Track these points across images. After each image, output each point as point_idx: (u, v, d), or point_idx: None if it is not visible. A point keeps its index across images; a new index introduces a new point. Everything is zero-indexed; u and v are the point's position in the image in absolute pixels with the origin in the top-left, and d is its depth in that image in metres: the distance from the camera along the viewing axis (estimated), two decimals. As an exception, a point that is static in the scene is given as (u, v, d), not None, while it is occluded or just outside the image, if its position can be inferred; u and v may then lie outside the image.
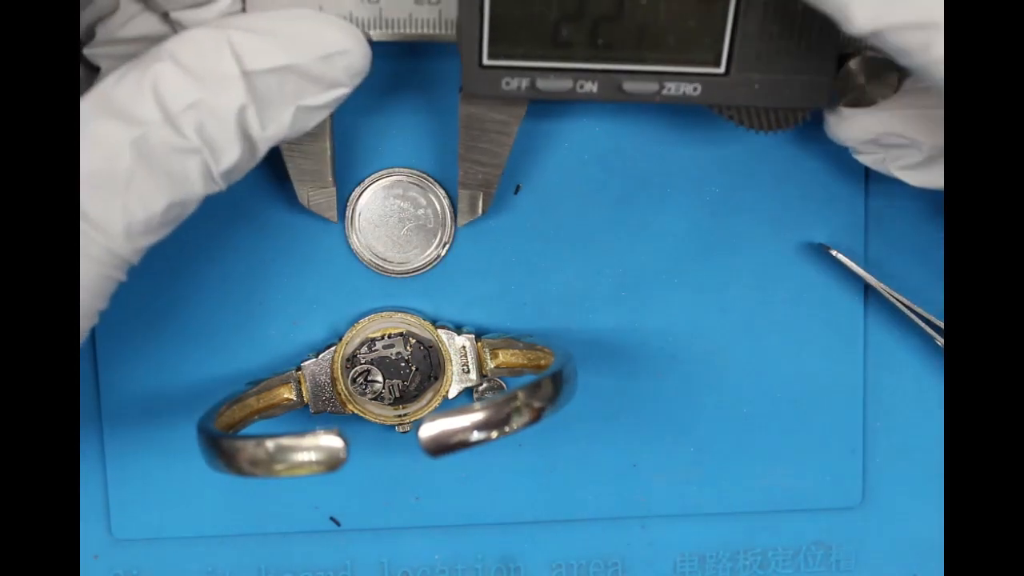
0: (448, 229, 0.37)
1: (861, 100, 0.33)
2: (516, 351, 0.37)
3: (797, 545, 0.41)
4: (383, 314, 0.37)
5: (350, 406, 0.37)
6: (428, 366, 0.38)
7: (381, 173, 0.37)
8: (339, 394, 0.37)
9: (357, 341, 0.37)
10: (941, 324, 0.37)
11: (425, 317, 0.37)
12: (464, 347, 0.37)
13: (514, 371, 0.37)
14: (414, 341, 0.37)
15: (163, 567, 0.39)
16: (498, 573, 0.40)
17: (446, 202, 0.37)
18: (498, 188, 0.35)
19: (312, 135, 0.33)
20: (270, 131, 0.29)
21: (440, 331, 0.37)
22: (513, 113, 0.33)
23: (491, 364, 0.37)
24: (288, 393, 0.36)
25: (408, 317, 0.37)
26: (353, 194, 0.37)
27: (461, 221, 0.36)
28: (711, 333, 0.39)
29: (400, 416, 0.37)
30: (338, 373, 0.37)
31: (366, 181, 0.37)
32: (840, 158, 0.38)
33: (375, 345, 0.37)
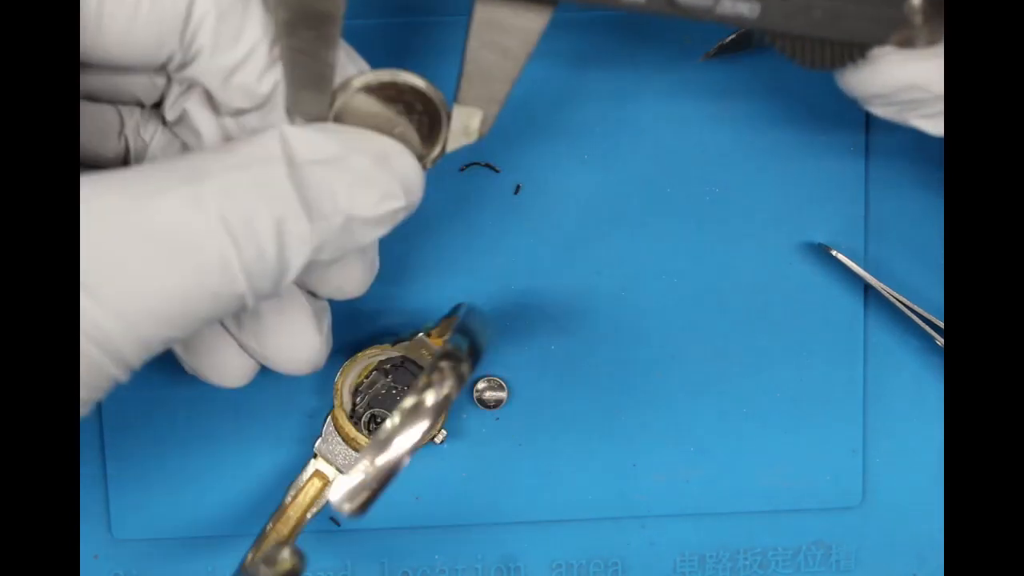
0: None
1: (910, 42, 0.29)
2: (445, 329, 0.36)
3: (797, 545, 0.41)
4: (348, 362, 0.37)
5: None
6: (416, 377, 0.37)
7: None
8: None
9: (347, 397, 0.37)
10: (941, 324, 0.37)
11: (411, 328, 0.37)
12: (424, 351, 0.36)
13: None
14: (388, 367, 0.37)
15: (163, 567, 0.39)
16: (498, 573, 0.40)
17: None
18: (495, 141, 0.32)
19: None
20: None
21: (397, 346, 0.37)
22: (536, 20, 0.29)
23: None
24: (321, 480, 0.37)
25: (370, 351, 0.37)
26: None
27: (452, 144, 0.29)
28: (711, 333, 0.39)
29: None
30: (352, 434, 0.37)
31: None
32: (840, 158, 0.38)
33: (362, 391, 0.37)
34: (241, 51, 0.27)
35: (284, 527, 0.36)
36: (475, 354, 0.29)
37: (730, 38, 0.36)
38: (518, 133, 0.38)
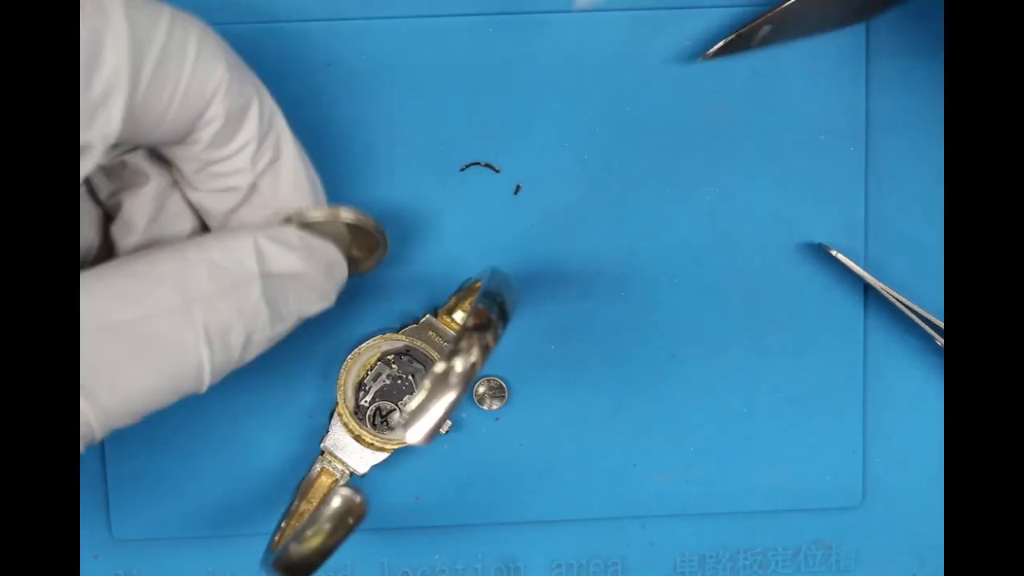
0: None
1: None
2: (471, 297, 0.36)
3: (797, 545, 0.41)
4: (350, 357, 0.37)
5: (389, 446, 0.36)
6: (420, 366, 0.37)
7: None
8: (372, 445, 0.36)
9: (351, 393, 0.37)
10: (941, 324, 0.37)
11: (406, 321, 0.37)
12: (432, 333, 0.37)
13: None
14: (391, 356, 0.37)
15: (163, 567, 0.39)
16: (498, 573, 0.40)
17: None
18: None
19: None
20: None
21: (402, 331, 0.37)
22: None
23: (461, 322, 0.36)
24: (329, 479, 0.37)
25: (372, 341, 0.37)
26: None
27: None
28: (711, 333, 0.39)
29: None
30: (358, 430, 0.37)
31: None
32: (840, 158, 0.38)
33: (367, 385, 0.37)
34: (231, 149, 0.29)
35: (298, 524, 0.36)
36: (504, 317, 0.29)
37: (730, 38, 0.36)
38: (518, 133, 0.38)
